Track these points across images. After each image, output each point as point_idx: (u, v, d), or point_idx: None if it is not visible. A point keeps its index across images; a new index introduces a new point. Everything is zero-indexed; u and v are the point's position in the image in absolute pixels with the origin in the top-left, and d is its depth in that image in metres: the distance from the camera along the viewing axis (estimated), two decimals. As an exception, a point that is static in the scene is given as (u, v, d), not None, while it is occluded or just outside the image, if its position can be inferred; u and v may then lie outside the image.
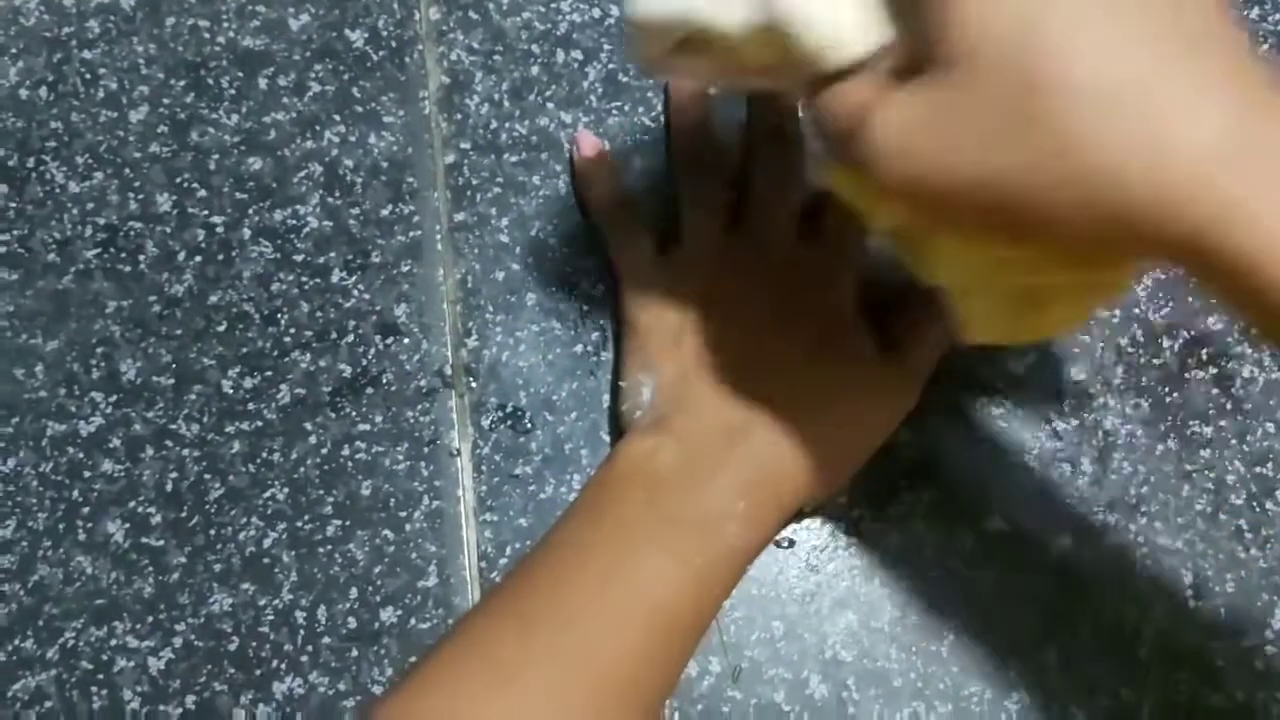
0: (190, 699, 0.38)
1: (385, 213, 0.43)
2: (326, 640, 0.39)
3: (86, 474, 0.40)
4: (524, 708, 0.30)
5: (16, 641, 0.38)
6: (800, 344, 0.36)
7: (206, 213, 0.43)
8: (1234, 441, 0.41)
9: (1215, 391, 0.41)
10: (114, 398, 0.41)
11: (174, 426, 0.40)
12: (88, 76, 0.44)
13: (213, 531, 0.39)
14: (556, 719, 0.30)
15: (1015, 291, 0.29)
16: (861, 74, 0.26)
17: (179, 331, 0.41)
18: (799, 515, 0.39)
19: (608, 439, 0.41)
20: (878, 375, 0.36)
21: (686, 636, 0.33)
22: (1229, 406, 0.41)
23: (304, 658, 0.38)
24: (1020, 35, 0.22)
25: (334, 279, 0.42)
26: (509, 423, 0.41)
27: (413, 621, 0.39)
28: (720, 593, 0.33)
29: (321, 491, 0.40)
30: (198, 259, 0.42)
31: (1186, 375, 0.42)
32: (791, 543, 0.40)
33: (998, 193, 0.23)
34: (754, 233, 0.38)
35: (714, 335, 0.36)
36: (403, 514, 0.40)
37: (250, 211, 0.43)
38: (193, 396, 0.41)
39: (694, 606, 0.33)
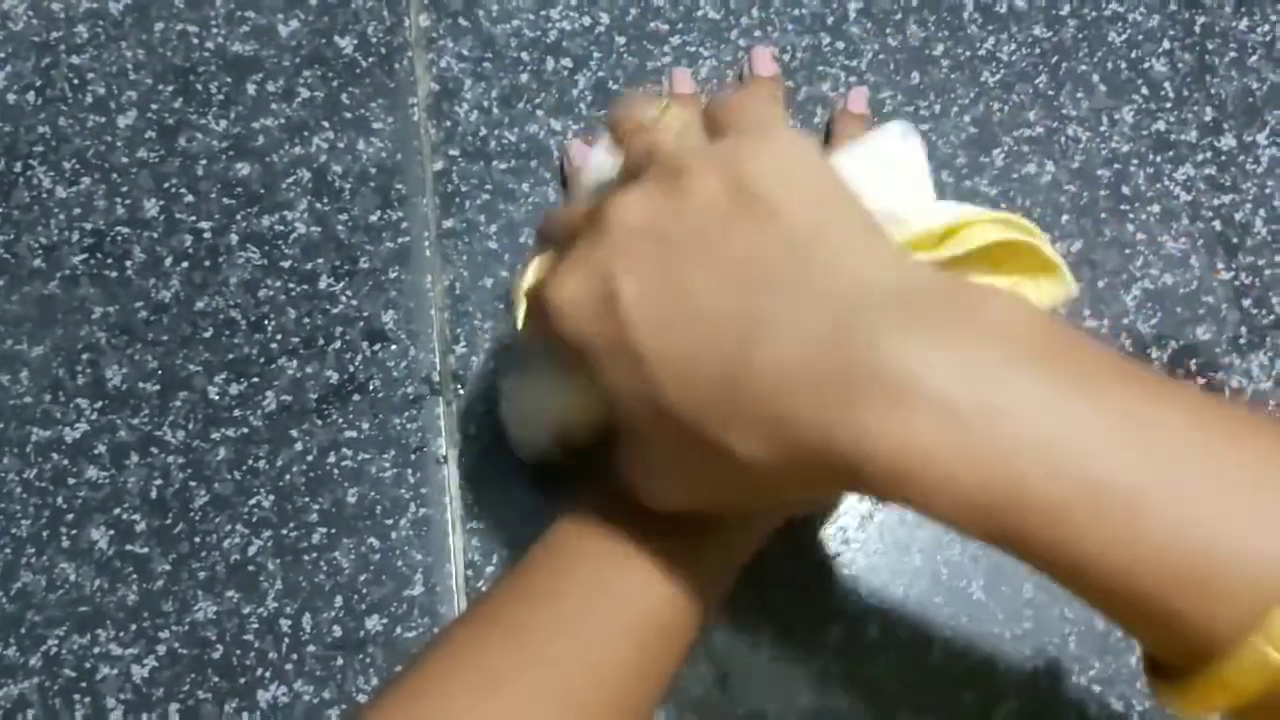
0: (174, 707, 0.37)
1: (374, 219, 0.43)
2: (311, 648, 0.38)
3: (71, 480, 0.40)
4: (512, 715, 0.30)
5: (-1, 649, 0.38)
6: None
7: (194, 218, 0.42)
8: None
9: (1204, 401, 0.41)
10: (99, 404, 0.40)
11: (159, 433, 0.40)
12: (76, 81, 0.44)
13: (197, 539, 0.39)
14: None
15: None
16: None
17: (165, 338, 0.41)
18: (790, 523, 0.38)
19: (595, 447, 0.41)
20: None
21: (676, 644, 0.33)
22: (1217, 416, 0.41)
23: (289, 666, 0.38)
24: (642, 397, 0.26)
25: (322, 285, 0.42)
26: (497, 430, 0.41)
27: (398, 630, 0.39)
28: (710, 600, 0.33)
29: (307, 499, 0.40)
30: (185, 265, 0.42)
31: (1175, 385, 0.41)
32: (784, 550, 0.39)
33: (708, 504, 0.28)
34: None
35: None
36: (389, 522, 0.40)
37: (238, 217, 0.42)
38: (178, 403, 0.41)
39: (683, 614, 0.32)
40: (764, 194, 0.25)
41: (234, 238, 0.42)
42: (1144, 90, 0.45)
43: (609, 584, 0.32)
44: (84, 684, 0.38)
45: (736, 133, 0.27)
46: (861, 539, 0.40)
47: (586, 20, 0.45)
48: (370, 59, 0.44)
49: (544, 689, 0.30)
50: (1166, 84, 0.45)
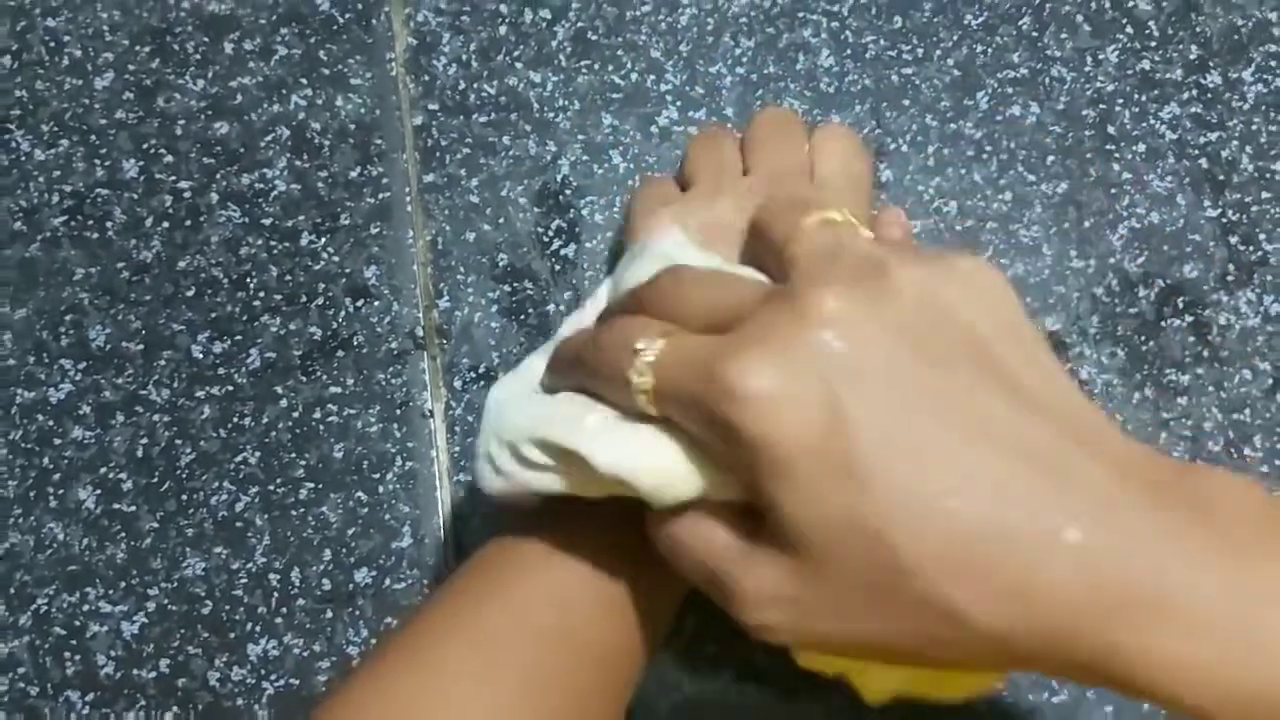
0: (164, 663, 0.38)
1: (354, 175, 0.42)
2: (301, 602, 0.38)
3: (57, 441, 0.40)
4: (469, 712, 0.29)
5: (-11, 609, 0.38)
6: None
7: (174, 178, 0.42)
8: (1211, 389, 0.41)
9: (1192, 339, 0.41)
10: (83, 364, 0.40)
11: (144, 392, 0.40)
12: (52, 44, 0.44)
13: (184, 496, 0.39)
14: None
15: (914, 674, 0.30)
16: (703, 508, 0.26)
17: (148, 297, 0.41)
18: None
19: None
20: None
21: (625, 667, 0.32)
22: (1205, 354, 0.41)
23: (278, 620, 0.38)
24: (849, 523, 0.22)
25: (303, 242, 0.42)
26: (482, 383, 0.41)
27: (387, 582, 0.39)
28: (656, 627, 0.32)
29: (293, 455, 0.40)
30: (165, 225, 0.42)
31: (1163, 324, 0.41)
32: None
33: (876, 647, 0.24)
34: None
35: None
36: (375, 476, 0.40)
37: (218, 176, 0.42)
38: (162, 362, 0.40)
39: (629, 639, 0.31)
40: (988, 335, 0.24)
41: (214, 197, 0.42)
42: (1128, 29, 0.44)
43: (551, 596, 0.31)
44: (74, 641, 0.38)
45: (938, 256, 0.25)
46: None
47: (564, -29, 0.44)
48: (347, 15, 0.44)
49: (505, 699, 0.29)
50: (1151, 23, 0.44)
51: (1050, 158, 0.43)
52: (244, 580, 0.38)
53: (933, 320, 0.24)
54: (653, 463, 0.25)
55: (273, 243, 0.42)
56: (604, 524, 0.30)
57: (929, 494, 0.22)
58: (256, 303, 0.41)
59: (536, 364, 0.31)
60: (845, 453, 0.22)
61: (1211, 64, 0.44)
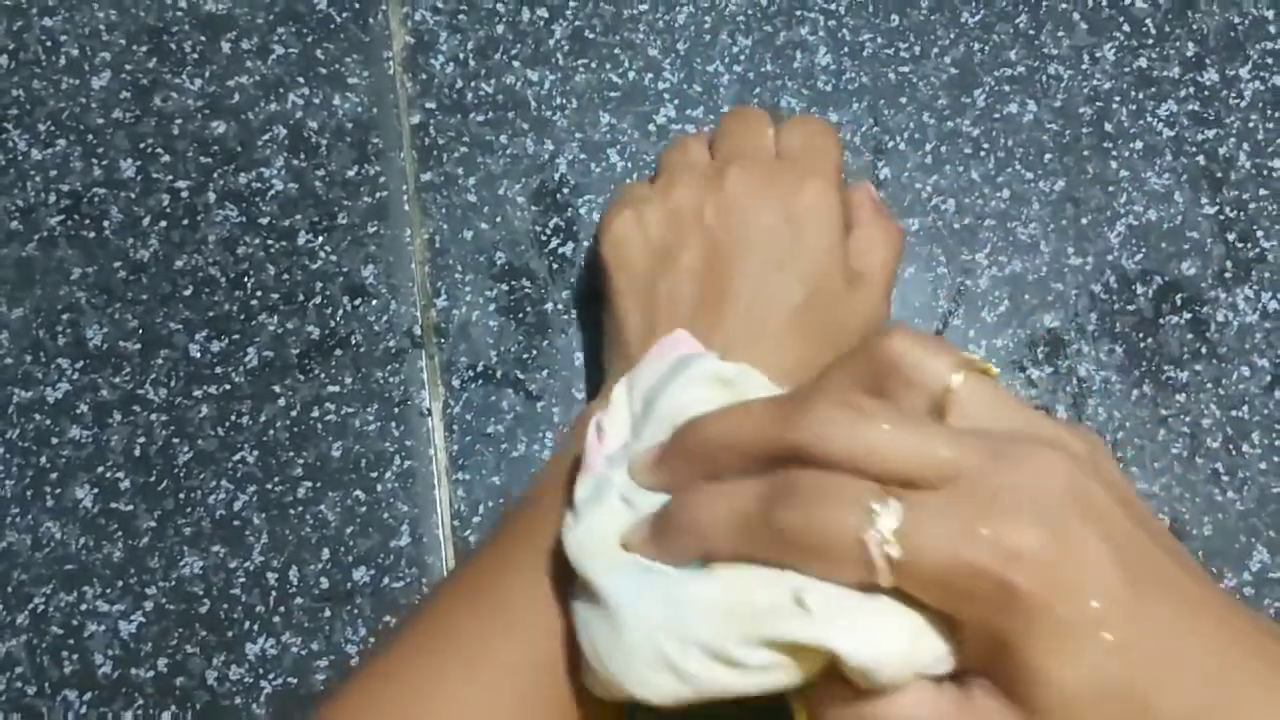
0: (162, 661, 0.37)
1: (351, 174, 0.42)
2: (299, 601, 0.38)
3: (54, 440, 0.40)
4: (487, 689, 0.29)
5: (-14, 609, 0.38)
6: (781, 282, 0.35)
7: (171, 178, 0.42)
8: (1209, 385, 0.41)
9: (1190, 336, 0.41)
10: (80, 364, 0.40)
11: (141, 391, 0.40)
12: (49, 44, 0.44)
13: (182, 495, 0.39)
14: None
15: None
16: (911, 687, 0.23)
17: (145, 297, 0.41)
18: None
19: (580, 396, 0.41)
20: (854, 306, 0.36)
21: None
22: (1204, 351, 0.41)
23: (276, 618, 0.38)
24: (1108, 687, 0.22)
25: (300, 241, 0.42)
26: (480, 382, 0.41)
27: (386, 580, 0.39)
28: None
29: (291, 453, 0.40)
30: (162, 224, 0.42)
31: (1161, 320, 0.41)
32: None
33: None
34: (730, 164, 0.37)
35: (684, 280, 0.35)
36: (374, 474, 0.40)
37: (215, 175, 0.42)
38: (160, 361, 0.40)
39: None
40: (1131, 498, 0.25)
41: (211, 196, 0.42)
42: (1125, 27, 0.44)
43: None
44: (71, 641, 0.38)
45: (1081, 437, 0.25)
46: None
47: (561, -30, 0.44)
48: (344, 14, 0.44)
49: (520, 660, 0.29)
50: (1148, 20, 0.44)
51: (1048, 155, 0.43)
52: (242, 579, 0.38)
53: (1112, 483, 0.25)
54: (900, 644, 0.23)
55: (270, 242, 0.42)
56: None
57: (1180, 668, 0.22)
58: (254, 302, 0.41)
59: (615, 509, 0.27)
60: (1113, 615, 0.22)
61: (1209, 61, 0.44)
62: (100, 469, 0.39)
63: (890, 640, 0.23)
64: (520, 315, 0.41)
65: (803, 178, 0.35)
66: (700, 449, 0.26)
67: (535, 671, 0.29)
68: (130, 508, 0.39)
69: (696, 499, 0.25)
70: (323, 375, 0.40)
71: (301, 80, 0.43)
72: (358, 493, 0.39)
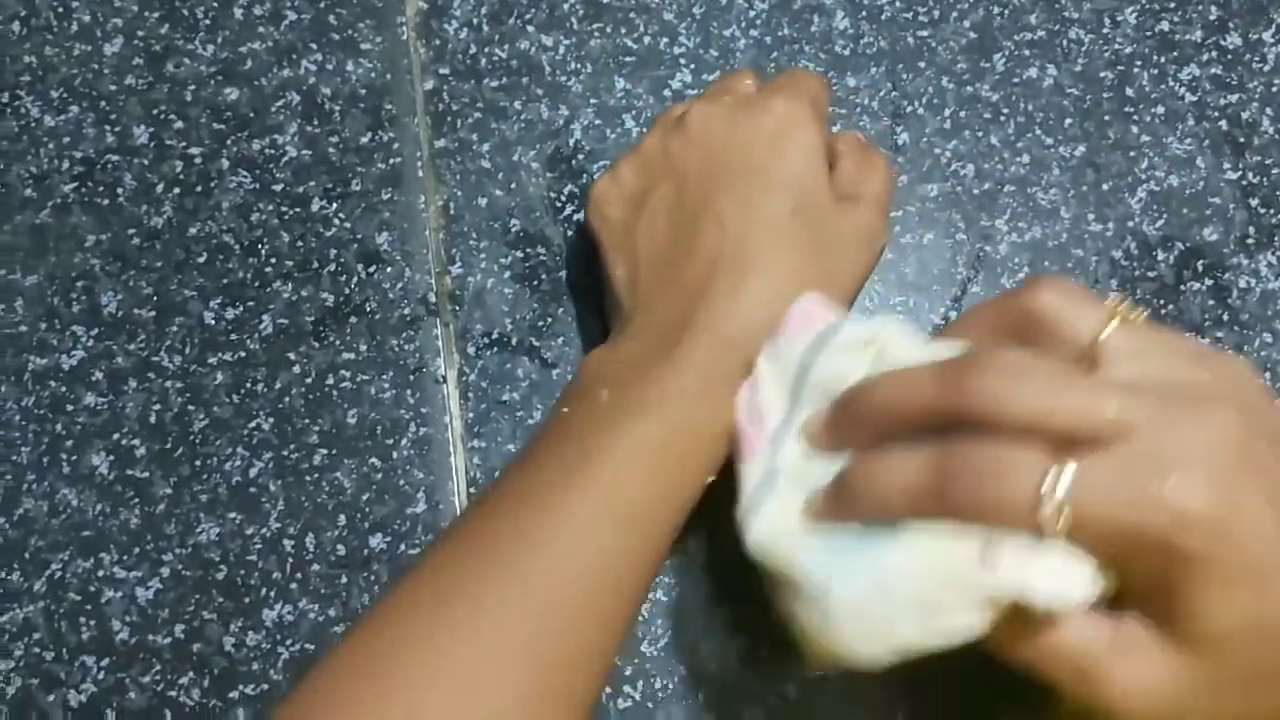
0: (179, 628, 0.37)
1: (365, 140, 0.42)
2: (315, 567, 0.38)
3: (69, 407, 0.39)
4: (481, 635, 0.29)
5: (3, 575, 0.38)
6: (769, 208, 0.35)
7: (184, 144, 0.42)
8: (1231, 352, 0.40)
9: (1212, 303, 0.41)
10: (95, 331, 0.40)
11: (156, 358, 0.40)
12: (61, 10, 0.43)
13: (198, 462, 0.39)
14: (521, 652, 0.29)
15: None
16: (1076, 616, 0.26)
17: (159, 264, 0.41)
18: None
19: (595, 364, 0.40)
20: (846, 223, 0.35)
21: (653, 533, 0.32)
22: (1226, 318, 0.41)
23: (293, 585, 0.38)
24: (1260, 624, 0.24)
25: (314, 208, 0.41)
26: (495, 349, 0.41)
27: (402, 547, 0.38)
28: (688, 483, 0.32)
29: (307, 421, 0.40)
30: (176, 191, 0.42)
31: (1182, 287, 0.41)
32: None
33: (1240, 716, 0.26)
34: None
35: (660, 221, 0.35)
36: (389, 442, 0.39)
37: (228, 142, 0.42)
38: (174, 328, 0.40)
39: (661, 502, 0.31)
40: None
41: (225, 162, 0.42)
42: (1147, -10, 0.44)
43: (583, 475, 0.31)
44: (89, 607, 0.38)
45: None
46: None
47: (576, -66, 0.44)
48: (357, -21, 0.44)
49: (512, 598, 0.29)
50: (1170, -17, 0.44)
51: (1068, 120, 0.42)
52: (258, 545, 0.38)
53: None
54: (1084, 585, 0.25)
55: (284, 208, 0.41)
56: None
57: None
58: (268, 269, 0.41)
59: (786, 498, 0.29)
60: (1274, 566, 0.24)
61: (1231, 25, 0.43)
62: (116, 436, 0.39)
63: (1075, 583, 0.25)
64: (535, 282, 0.41)
65: (771, 96, 0.36)
66: (870, 416, 0.27)
67: (543, 616, 0.29)
68: (146, 474, 0.39)
69: (871, 469, 0.27)
70: (338, 342, 0.40)
71: (314, 46, 0.43)
72: (373, 460, 0.39)
